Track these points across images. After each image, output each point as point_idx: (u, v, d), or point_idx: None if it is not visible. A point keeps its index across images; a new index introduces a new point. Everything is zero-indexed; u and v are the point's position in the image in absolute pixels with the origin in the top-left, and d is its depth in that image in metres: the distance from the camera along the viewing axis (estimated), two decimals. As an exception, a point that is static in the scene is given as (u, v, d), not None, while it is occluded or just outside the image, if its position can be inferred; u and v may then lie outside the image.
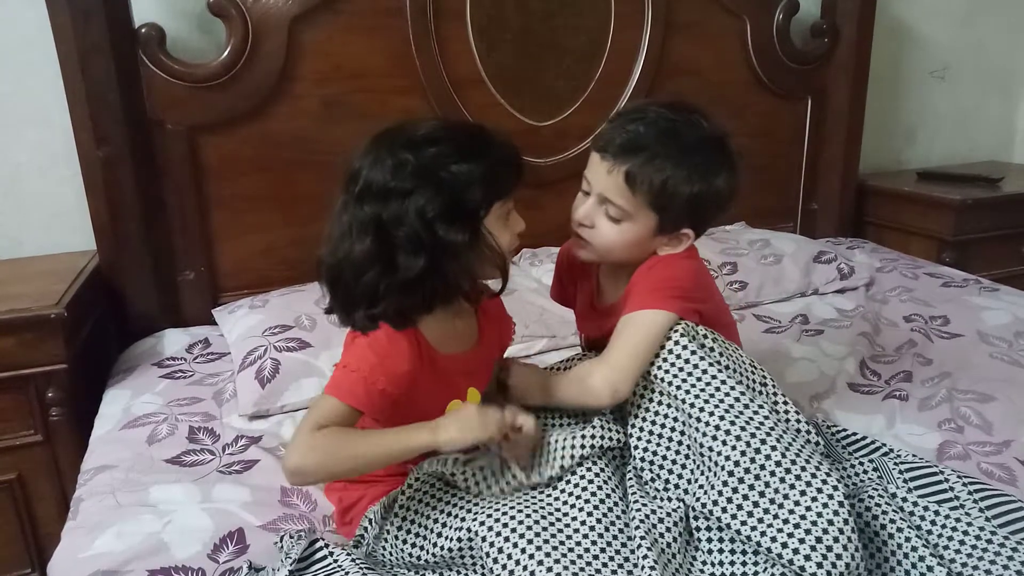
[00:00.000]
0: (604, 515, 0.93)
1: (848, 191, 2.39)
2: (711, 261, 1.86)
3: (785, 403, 1.04)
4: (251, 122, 1.74)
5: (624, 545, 0.91)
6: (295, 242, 1.81)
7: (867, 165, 2.47)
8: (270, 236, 1.81)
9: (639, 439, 1.01)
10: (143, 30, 1.61)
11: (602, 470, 0.98)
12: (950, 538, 0.95)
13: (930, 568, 0.91)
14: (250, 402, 1.39)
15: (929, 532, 0.96)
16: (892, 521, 0.95)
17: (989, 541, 0.94)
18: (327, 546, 0.97)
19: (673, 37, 2.06)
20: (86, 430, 1.39)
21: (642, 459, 1.01)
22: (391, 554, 0.98)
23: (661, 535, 0.92)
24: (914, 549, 0.92)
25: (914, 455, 1.16)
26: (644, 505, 0.94)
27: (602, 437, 1.00)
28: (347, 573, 0.92)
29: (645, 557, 0.87)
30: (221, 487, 1.17)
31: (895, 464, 1.11)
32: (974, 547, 0.94)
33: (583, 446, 0.99)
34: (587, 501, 0.95)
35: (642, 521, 0.92)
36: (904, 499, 1.00)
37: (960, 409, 1.34)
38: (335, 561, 0.94)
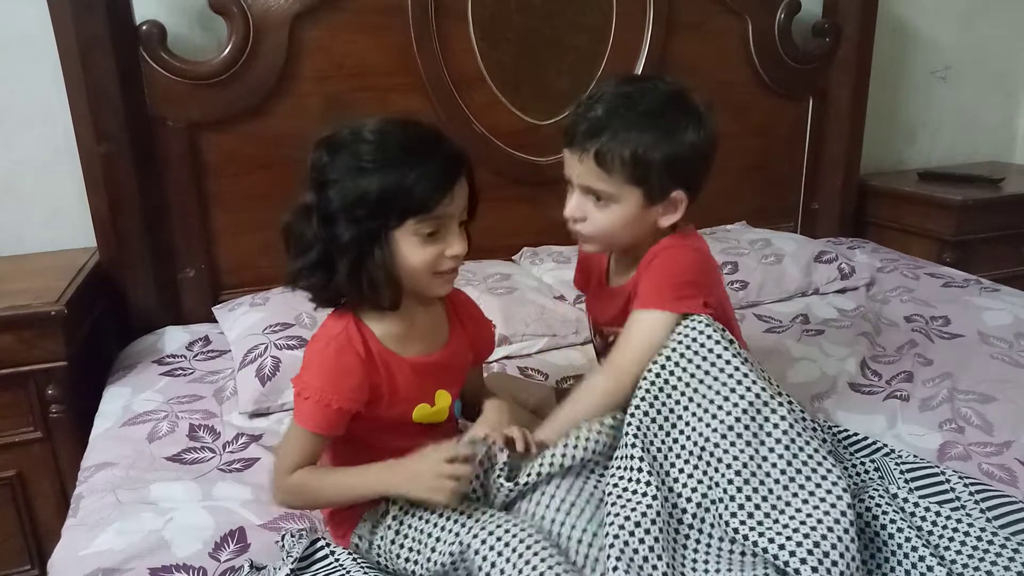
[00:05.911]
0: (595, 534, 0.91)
1: (849, 191, 2.39)
2: (712, 261, 1.86)
3: (790, 402, 1.03)
4: (252, 120, 1.74)
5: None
6: (296, 240, 1.80)
7: (868, 165, 2.47)
8: (270, 234, 1.74)
9: (632, 415, 0.98)
10: (144, 27, 1.61)
11: (587, 479, 0.96)
12: (951, 539, 0.95)
13: (930, 568, 0.91)
14: (250, 400, 1.39)
15: (930, 532, 0.96)
16: (892, 521, 0.95)
17: (990, 542, 0.94)
18: (328, 545, 0.97)
19: (675, 36, 2.06)
20: (86, 427, 1.39)
21: (634, 435, 0.97)
22: (387, 563, 0.97)
23: (641, 539, 0.88)
24: (914, 549, 0.92)
25: (915, 455, 1.16)
26: (617, 515, 0.90)
27: (585, 446, 0.96)
28: (348, 572, 0.92)
29: (615, 569, 0.84)
30: (222, 485, 1.18)
31: (896, 464, 1.11)
32: (975, 548, 0.94)
33: (563, 455, 0.95)
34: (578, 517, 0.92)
35: (620, 528, 0.88)
36: (905, 499, 1.00)
37: (961, 410, 1.34)
38: (336, 560, 0.94)
